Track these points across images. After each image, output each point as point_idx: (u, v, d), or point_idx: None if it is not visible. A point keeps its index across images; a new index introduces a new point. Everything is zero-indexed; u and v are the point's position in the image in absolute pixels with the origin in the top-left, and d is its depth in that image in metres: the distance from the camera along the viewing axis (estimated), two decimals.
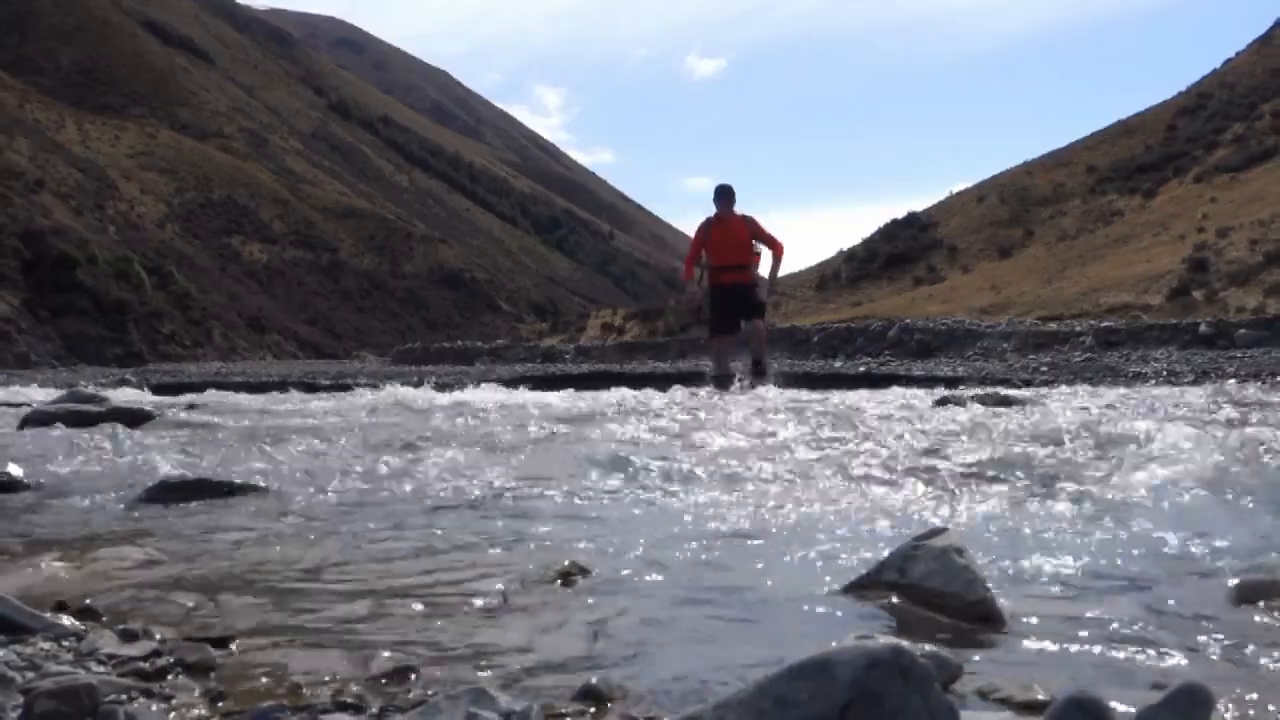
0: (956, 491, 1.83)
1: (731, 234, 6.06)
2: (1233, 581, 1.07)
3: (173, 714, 0.78)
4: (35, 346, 28.85)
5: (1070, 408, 3.91)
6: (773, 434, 2.80)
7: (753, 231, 6.09)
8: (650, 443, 2.60)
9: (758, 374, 5.90)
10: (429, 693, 0.81)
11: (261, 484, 1.93)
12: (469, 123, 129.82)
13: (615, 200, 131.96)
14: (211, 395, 6.89)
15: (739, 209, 6.32)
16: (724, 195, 6.17)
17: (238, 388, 8.27)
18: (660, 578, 1.21)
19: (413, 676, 0.86)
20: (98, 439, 2.90)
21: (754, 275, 6.11)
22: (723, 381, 5.76)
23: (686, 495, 1.82)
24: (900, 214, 34.22)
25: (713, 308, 6.14)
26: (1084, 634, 0.95)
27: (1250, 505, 1.61)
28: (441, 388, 6.59)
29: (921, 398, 4.56)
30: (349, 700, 0.80)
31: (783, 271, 6.23)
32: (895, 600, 1.02)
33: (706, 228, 6.15)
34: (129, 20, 74.63)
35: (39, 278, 32.28)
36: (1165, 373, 6.85)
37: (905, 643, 0.68)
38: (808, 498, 1.78)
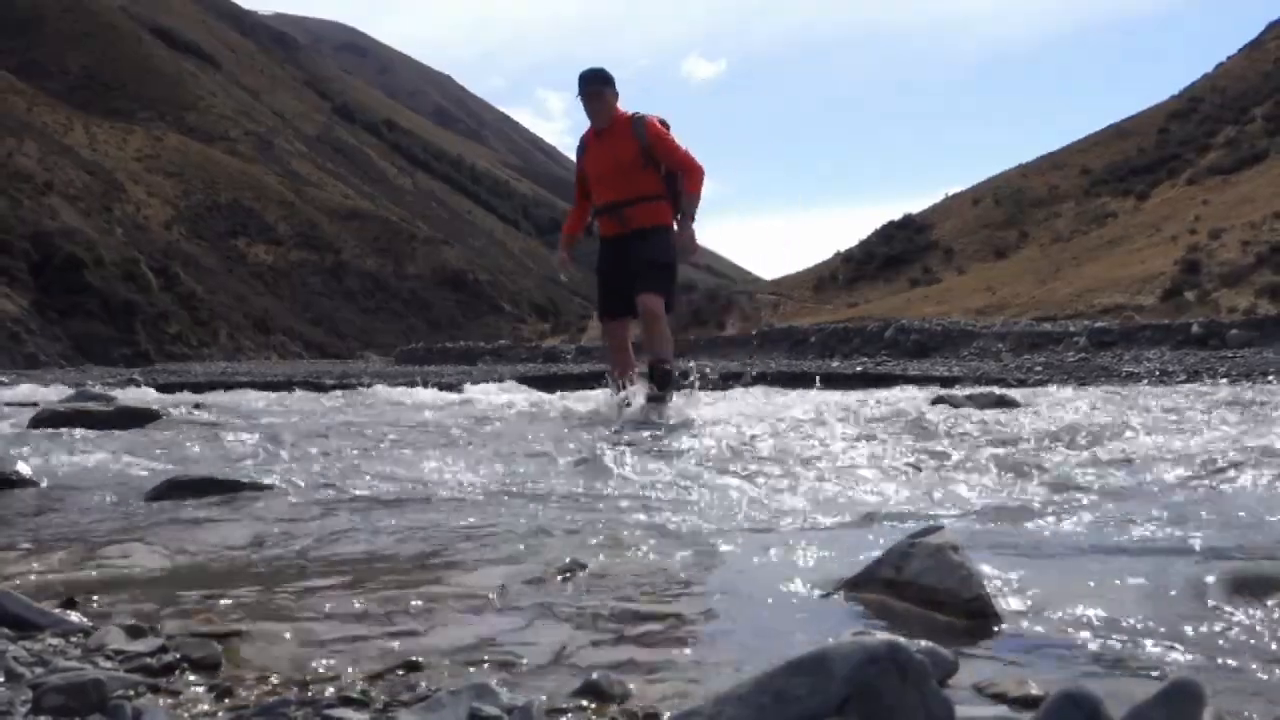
0: (952, 489, 1.83)
1: (611, 154, 3.55)
2: (1226, 576, 1.08)
3: (179, 709, 0.80)
4: (44, 347, 29.08)
5: (1064, 406, 3.91)
6: (768, 432, 2.81)
7: (649, 149, 3.50)
8: (650, 441, 2.62)
9: (657, 387, 3.51)
10: (432, 688, 0.82)
11: (267, 482, 1.94)
12: (471, 126, 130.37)
13: None
14: (217, 395, 6.93)
15: (628, 107, 3.57)
16: (592, 84, 3.52)
17: (244, 387, 8.32)
18: (660, 574, 1.22)
19: (416, 672, 0.88)
20: (106, 438, 2.93)
21: (652, 219, 3.56)
22: (620, 391, 3.64)
23: (685, 493, 1.83)
24: (896, 216, 34.44)
25: (596, 275, 3.78)
26: (1079, 630, 0.96)
27: (1244, 500, 1.61)
28: (447, 387, 6.61)
29: (918, 397, 4.56)
30: (354, 695, 0.81)
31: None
32: (891, 597, 1.04)
33: (581, 149, 3.71)
34: (136, 25, 75.18)
35: (47, 279, 32.54)
36: (1158, 372, 6.86)
37: (902, 639, 0.68)
38: (804, 496, 1.79)
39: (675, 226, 3.66)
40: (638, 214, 3.63)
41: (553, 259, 4.06)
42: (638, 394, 3.59)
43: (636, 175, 3.60)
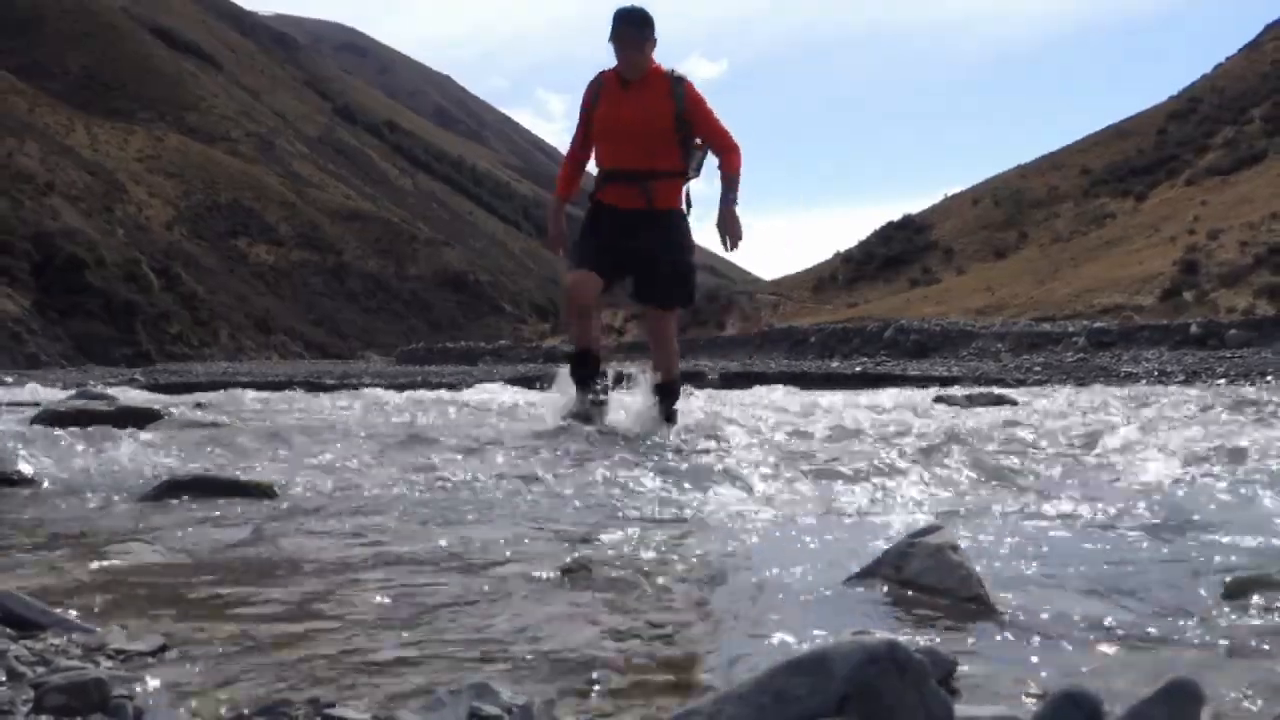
0: (951, 488, 1.84)
1: (641, 112, 3.00)
2: (1224, 576, 1.08)
3: (180, 709, 0.80)
4: (45, 347, 29.15)
5: (1062, 407, 3.92)
6: (769, 431, 2.81)
7: (688, 114, 2.99)
8: (649, 438, 2.62)
9: (666, 408, 3.12)
10: (433, 688, 0.82)
11: (267, 482, 1.95)
12: (472, 127, 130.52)
13: None
14: (219, 395, 6.94)
15: (665, 63, 3.03)
16: (629, 25, 3.00)
17: (245, 387, 8.33)
18: (661, 574, 1.22)
19: (417, 670, 0.88)
20: (107, 437, 2.93)
21: (674, 200, 3.09)
22: (584, 381, 3.14)
23: (686, 492, 1.83)
24: (896, 217, 34.37)
25: (582, 231, 3.23)
26: (1077, 629, 0.97)
27: (1241, 500, 1.61)
28: (450, 387, 6.60)
29: (917, 397, 4.56)
30: (354, 695, 0.81)
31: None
32: (891, 596, 1.04)
33: (594, 93, 3.10)
34: (137, 25, 75.22)
35: (49, 279, 32.62)
36: (1156, 372, 6.89)
37: (901, 638, 0.69)
38: (804, 495, 1.79)
39: (686, 210, 3.16)
40: (662, 191, 3.06)
41: (548, 219, 3.43)
42: (613, 392, 3.16)
43: (668, 144, 3.02)
